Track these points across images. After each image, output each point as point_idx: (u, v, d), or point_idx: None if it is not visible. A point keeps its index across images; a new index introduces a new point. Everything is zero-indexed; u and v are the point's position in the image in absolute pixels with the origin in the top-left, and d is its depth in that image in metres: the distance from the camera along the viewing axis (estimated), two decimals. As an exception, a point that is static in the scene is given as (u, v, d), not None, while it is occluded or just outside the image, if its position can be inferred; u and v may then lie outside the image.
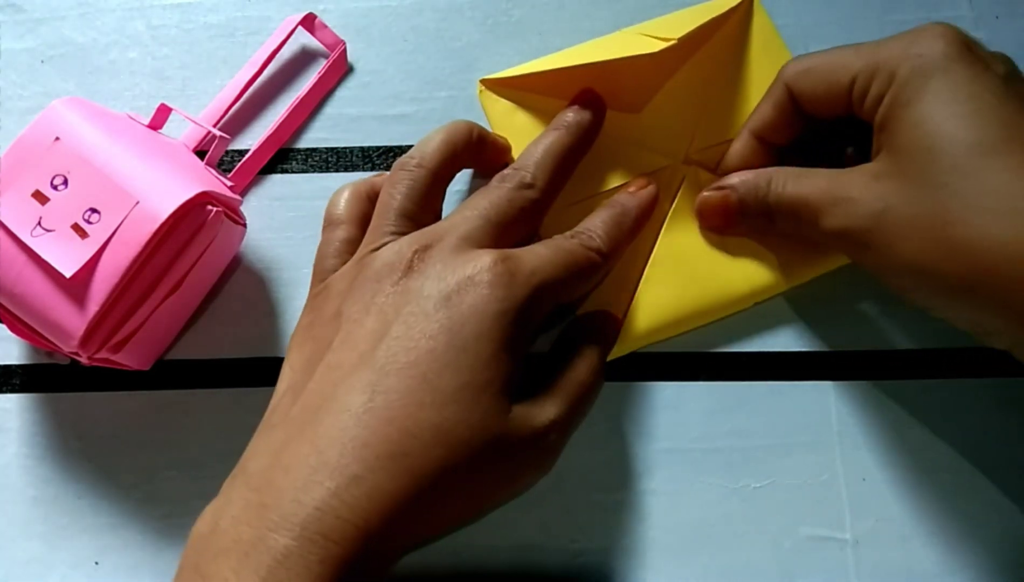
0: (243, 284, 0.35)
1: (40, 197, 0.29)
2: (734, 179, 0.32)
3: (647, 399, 0.33)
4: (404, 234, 0.29)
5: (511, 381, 0.26)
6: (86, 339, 0.29)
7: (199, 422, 0.34)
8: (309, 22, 0.36)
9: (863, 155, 0.29)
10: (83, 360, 0.30)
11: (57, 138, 0.29)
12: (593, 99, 0.33)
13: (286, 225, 0.35)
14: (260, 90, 0.36)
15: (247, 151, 0.35)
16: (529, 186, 0.30)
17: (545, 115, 0.34)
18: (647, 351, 0.34)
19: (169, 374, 0.34)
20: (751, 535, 0.32)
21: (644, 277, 0.33)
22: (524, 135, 0.34)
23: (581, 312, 0.33)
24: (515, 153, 0.34)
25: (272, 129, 0.35)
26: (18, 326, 0.31)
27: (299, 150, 0.36)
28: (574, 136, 0.32)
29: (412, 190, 0.30)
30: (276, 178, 0.36)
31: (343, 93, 0.36)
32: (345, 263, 0.30)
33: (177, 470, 0.33)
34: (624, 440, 0.33)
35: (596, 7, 0.36)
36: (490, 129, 0.34)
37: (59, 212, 0.29)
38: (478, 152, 0.32)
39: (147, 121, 0.33)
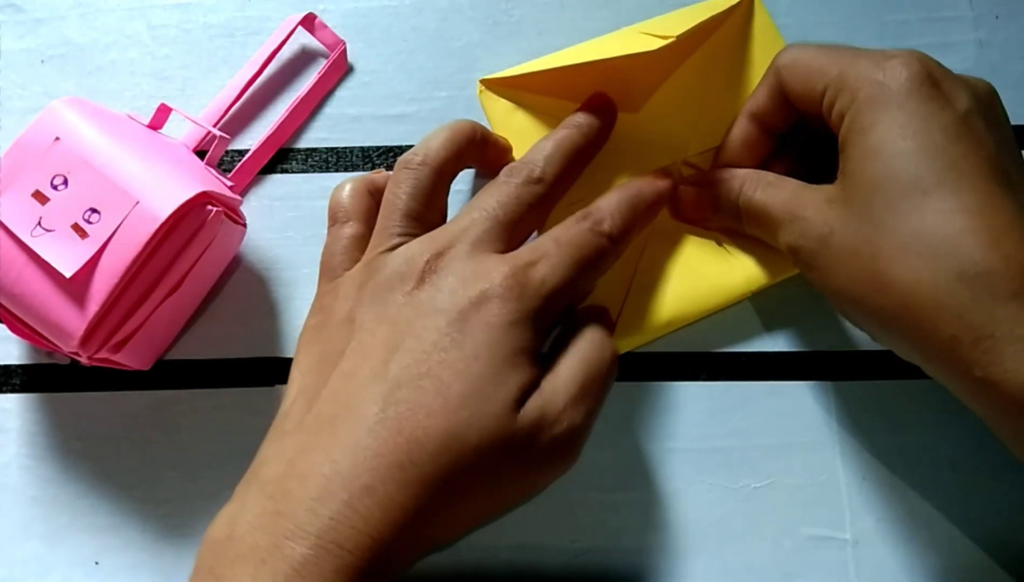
0: (243, 284, 0.35)
1: (40, 197, 0.29)
2: (713, 175, 0.32)
3: (647, 399, 0.33)
4: (411, 235, 0.29)
5: (523, 385, 0.26)
6: (86, 339, 0.29)
7: (199, 422, 0.34)
8: (309, 22, 0.36)
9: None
10: (83, 360, 0.30)
11: (57, 138, 0.29)
12: (605, 104, 0.33)
13: (286, 225, 0.35)
14: (260, 90, 0.36)
15: (247, 151, 0.35)
16: (538, 181, 0.30)
17: (545, 115, 0.34)
18: (647, 351, 0.34)
19: (169, 374, 0.34)
20: (751, 535, 0.32)
21: (638, 275, 0.33)
22: (524, 135, 0.34)
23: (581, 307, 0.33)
24: (515, 153, 0.34)
25: (272, 129, 0.35)
26: (18, 326, 0.31)
27: (299, 150, 0.36)
28: (585, 136, 0.32)
29: (417, 189, 0.30)
30: (276, 178, 0.36)
31: (343, 93, 0.36)
32: (353, 261, 0.30)
33: (177, 470, 0.33)
34: (624, 440, 0.33)
35: (596, 7, 0.36)
36: (490, 129, 0.34)
37: (59, 212, 0.29)
38: (481, 151, 0.32)
39: (147, 121, 0.33)
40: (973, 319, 0.25)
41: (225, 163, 0.35)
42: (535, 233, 0.32)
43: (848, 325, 0.34)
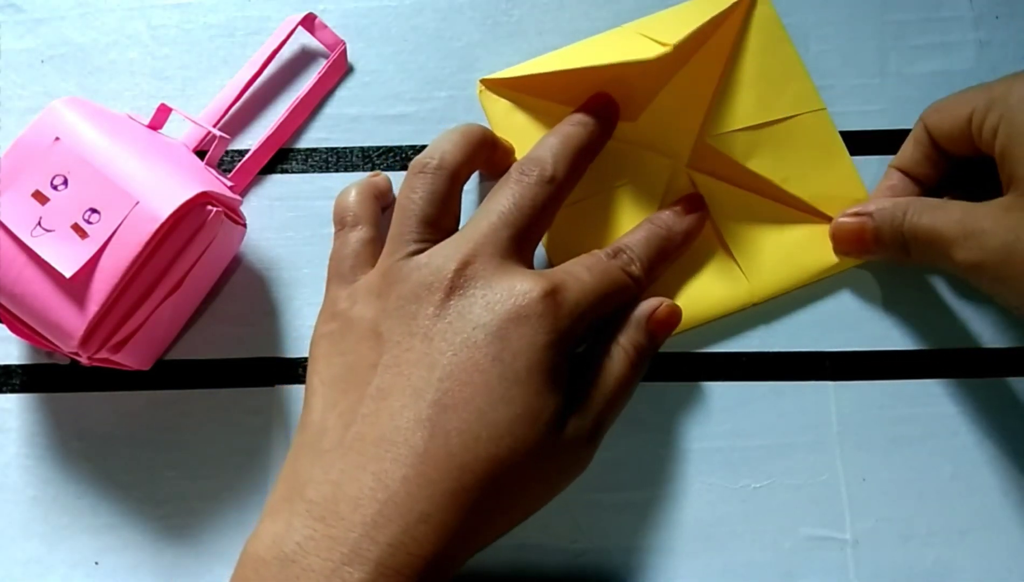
0: (243, 284, 0.35)
1: (40, 197, 0.29)
2: (871, 206, 0.32)
3: (647, 400, 0.33)
4: (428, 241, 0.29)
5: (559, 406, 0.27)
6: (86, 339, 0.29)
7: (199, 422, 0.34)
8: (309, 22, 0.36)
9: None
10: (83, 360, 0.30)
11: (57, 138, 0.29)
12: (607, 103, 0.33)
13: (286, 225, 0.35)
14: (260, 90, 0.36)
15: (247, 151, 0.35)
16: (550, 181, 0.30)
17: (545, 115, 0.34)
18: (647, 351, 0.34)
19: (169, 374, 0.34)
20: (751, 535, 0.32)
21: None
22: (524, 135, 0.34)
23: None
24: (517, 153, 0.34)
25: (272, 129, 0.35)
26: (18, 326, 0.31)
27: (299, 150, 0.36)
28: (591, 134, 0.32)
29: (433, 195, 0.29)
30: (276, 178, 0.36)
31: (343, 93, 0.36)
32: (365, 265, 0.30)
33: (177, 470, 0.33)
34: (624, 441, 0.33)
35: (596, 7, 0.36)
36: (490, 128, 0.34)
37: (59, 212, 0.29)
38: (491, 154, 0.32)
39: (147, 121, 0.33)
40: None
41: (225, 163, 0.35)
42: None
43: (848, 325, 0.34)
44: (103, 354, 0.30)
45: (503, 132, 0.34)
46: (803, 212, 0.34)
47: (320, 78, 0.35)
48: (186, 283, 0.31)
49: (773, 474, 0.33)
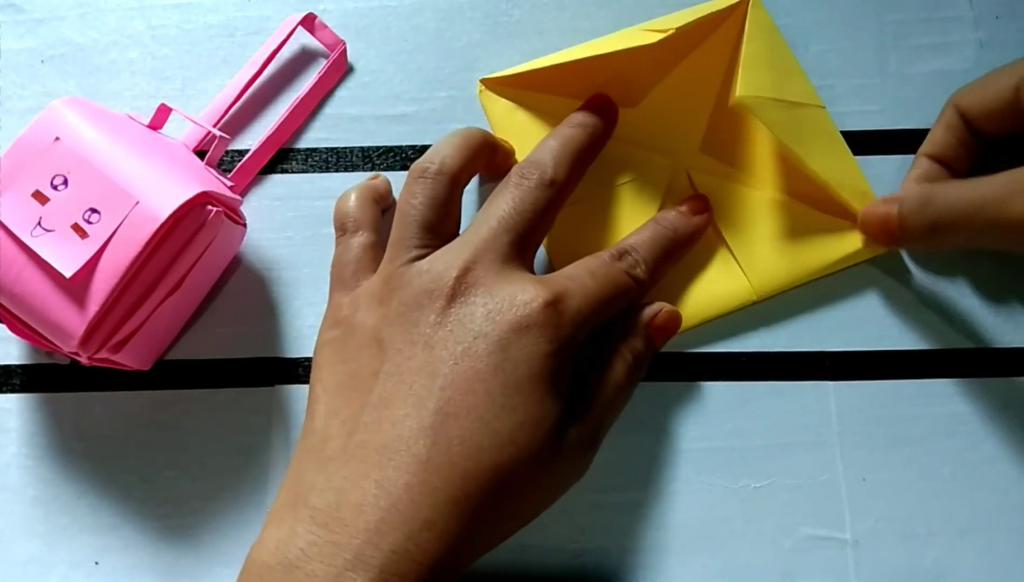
0: (243, 284, 0.35)
1: (40, 197, 0.29)
2: (900, 193, 0.32)
3: (647, 399, 0.33)
4: (429, 246, 0.29)
5: (560, 414, 0.27)
6: (86, 339, 0.29)
7: (199, 422, 0.34)
8: (309, 22, 0.36)
9: None
10: (83, 360, 0.30)
11: (57, 138, 0.29)
12: (606, 104, 0.33)
13: (286, 225, 0.35)
14: (260, 90, 0.36)
15: (247, 151, 0.35)
16: (551, 184, 0.30)
17: (546, 115, 0.34)
18: (647, 351, 0.34)
19: (169, 374, 0.34)
20: (751, 535, 0.32)
21: None
22: (525, 135, 0.34)
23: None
24: (517, 154, 0.34)
25: (272, 129, 0.35)
26: (18, 326, 0.31)
27: (299, 150, 0.36)
28: (591, 136, 0.32)
29: (434, 200, 0.29)
30: (276, 178, 0.36)
31: (343, 93, 0.36)
32: (368, 271, 0.30)
33: (177, 470, 0.33)
34: (624, 440, 0.33)
35: (596, 7, 0.36)
36: (490, 129, 0.34)
37: (59, 212, 0.29)
38: (491, 157, 0.32)
39: (147, 121, 0.33)
40: None
41: (225, 163, 0.35)
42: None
43: (848, 325, 0.34)
44: (103, 354, 0.30)
45: (503, 132, 0.34)
46: (809, 202, 0.33)
47: (320, 78, 0.35)
48: (186, 283, 0.31)
49: (773, 474, 0.33)
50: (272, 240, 0.35)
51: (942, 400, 0.33)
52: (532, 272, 0.30)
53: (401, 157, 0.35)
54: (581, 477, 0.29)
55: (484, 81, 0.35)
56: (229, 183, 0.33)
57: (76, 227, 0.29)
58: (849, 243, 0.33)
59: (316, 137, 0.36)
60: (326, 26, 0.36)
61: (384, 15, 0.37)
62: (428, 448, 0.26)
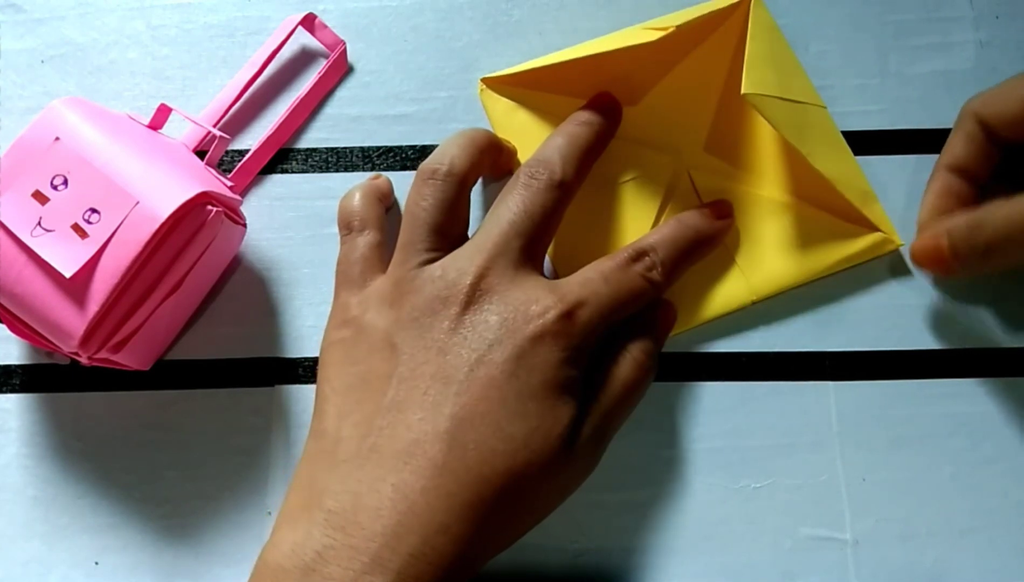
0: (243, 284, 0.35)
1: (40, 197, 0.29)
2: (944, 225, 0.31)
3: (647, 399, 0.33)
4: (438, 250, 0.29)
5: (572, 418, 0.27)
6: (86, 339, 0.29)
7: (199, 422, 0.34)
8: (309, 22, 0.36)
9: None
10: (83, 360, 0.30)
11: (57, 138, 0.29)
12: (610, 103, 0.33)
13: (286, 225, 0.35)
14: (260, 90, 0.36)
15: (247, 151, 0.35)
16: (560, 184, 0.30)
17: (547, 114, 0.34)
18: (647, 351, 0.34)
19: (169, 374, 0.34)
20: (751, 535, 0.32)
21: None
22: (525, 134, 0.34)
23: None
24: (518, 153, 0.34)
25: (272, 129, 0.35)
26: (18, 326, 0.31)
27: (299, 150, 0.36)
28: (596, 134, 0.32)
29: (443, 203, 0.29)
30: (276, 178, 0.36)
31: (343, 93, 0.36)
32: (374, 270, 0.30)
33: (177, 470, 0.33)
34: (624, 440, 0.33)
35: (596, 7, 0.36)
36: (491, 128, 0.34)
37: (59, 212, 0.29)
38: (496, 158, 0.32)
39: (147, 121, 0.33)
40: None
41: (225, 163, 0.35)
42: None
43: (848, 325, 0.34)
44: (103, 354, 0.30)
45: (504, 132, 0.34)
46: (809, 202, 0.33)
47: (320, 78, 0.35)
48: (186, 283, 0.31)
49: (773, 474, 0.33)
50: (272, 240, 0.35)
51: (942, 400, 0.33)
52: (543, 273, 0.30)
53: (401, 157, 0.35)
54: (589, 476, 0.29)
55: (485, 80, 0.35)
56: (229, 183, 0.33)
57: (76, 227, 0.29)
58: (849, 244, 0.33)
59: (316, 137, 0.36)
60: (326, 26, 0.36)
61: (384, 15, 0.37)
62: (444, 453, 0.26)
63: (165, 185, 0.29)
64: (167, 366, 0.34)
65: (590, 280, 0.29)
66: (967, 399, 0.33)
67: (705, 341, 0.34)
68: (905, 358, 0.33)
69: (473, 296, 0.28)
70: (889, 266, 0.34)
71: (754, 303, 0.33)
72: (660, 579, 0.32)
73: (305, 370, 0.34)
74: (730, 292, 0.33)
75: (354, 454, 0.27)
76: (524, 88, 0.35)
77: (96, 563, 0.33)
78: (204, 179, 0.31)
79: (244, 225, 0.34)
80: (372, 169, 0.35)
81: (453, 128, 0.32)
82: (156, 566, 0.33)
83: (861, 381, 0.33)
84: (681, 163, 0.34)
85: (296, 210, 0.35)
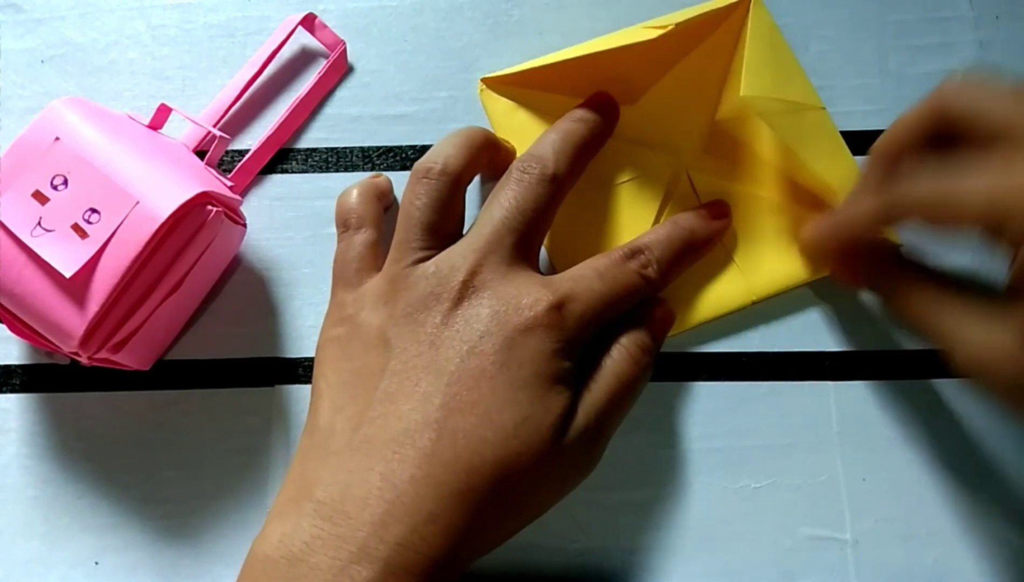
0: (243, 284, 0.35)
1: (40, 197, 0.29)
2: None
3: (647, 399, 0.33)
4: (432, 248, 0.29)
5: (564, 409, 0.27)
6: (86, 339, 0.29)
7: (199, 422, 0.34)
8: (309, 22, 0.36)
9: None
10: (83, 360, 0.30)
11: (57, 138, 0.29)
12: (607, 101, 0.33)
13: (286, 225, 0.35)
14: (260, 90, 0.36)
15: (247, 151, 0.35)
16: (552, 179, 0.30)
17: (547, 114, 0.34)
18: (647, 351, 0.34)
19: (169, 374, 0.34)
20: (751, 535, 0.32)
21: None
22: (525, 134, 0.34)
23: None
24: (517, 152, 0.34)
25: (272, 129, 0.35)
26: (18, 326, 0.31)
27: (299, 150, 0.36)
28: (592, 131, 0.32)
29: (437, 201, 0.29)
30: (276, 178, 0.36)
31: (343, 93, 0.36)
32: (371, 268, 0.30)
33: (177, 470, 0.33)
34: (624, 440, 0.33)
35: (596, 7, 0.36)
36: (491, 128, 0.34)
37: (59, 212, 0.29)
38: (493, 157, 0.32)
39: (147, 121, 0.33)
40: None
41: (225, 163, 0.35)
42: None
43: (848, 325, 0.34)
44: (103, 354, 0.30)
45: (504, 132, 0.34)
46: (808, 204, 0.33)
47: (320, 78, 0.35)
48: (186, 283, 0.31)
49: (773, 474, 0.33)
50: (272, 240, 0.35)
51: (942, 400, 0.33)
52: (537, 268, 0.30)
53: (401, 157, 0.35)
54: (587, 475, 0.29)
55: (485, 80, 0.35)
56: (229, 183, 0.33)
57: (76, 227, 0.29)
58: None
59: (316, 137, 0.36)
60: (326, 26, 0.36)
61: (384, 15, 0.37)
62: (433, 442, 0.26)
63: (165, 185, 0.29)
64: (167, 366, 0.34)
65: (583, 275, 0.29)
66: (967, 399, 0.33)
67: (705, 341, 0.34)
68: (905, 358, 0.33)
69: (465, 292, 0.28)
70: (889, 266, 0.34)
71: (753, 303, 0.33)
72: (660, 579, 0.32)
73: (305, 370, 0.34)
74: (729, 292, 0.33)
75: (345, 446, 0.27)
76: (524, 88, 0.35)
77: (96, 563, 0.33)
78: (204, 179, 0.31)
79: (244, 225, 0.34)
80: (372, 169, 0.35)
81: (453, 128, 0.32)
82: (156, 566, 0.33)
83: (861, 381, 0.33)
84: (680, 164, 0.34)
85: (296, 210, 0.35)
